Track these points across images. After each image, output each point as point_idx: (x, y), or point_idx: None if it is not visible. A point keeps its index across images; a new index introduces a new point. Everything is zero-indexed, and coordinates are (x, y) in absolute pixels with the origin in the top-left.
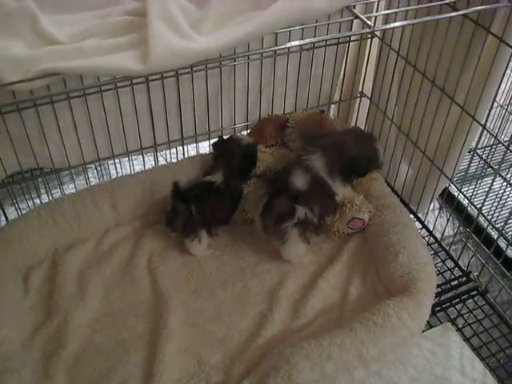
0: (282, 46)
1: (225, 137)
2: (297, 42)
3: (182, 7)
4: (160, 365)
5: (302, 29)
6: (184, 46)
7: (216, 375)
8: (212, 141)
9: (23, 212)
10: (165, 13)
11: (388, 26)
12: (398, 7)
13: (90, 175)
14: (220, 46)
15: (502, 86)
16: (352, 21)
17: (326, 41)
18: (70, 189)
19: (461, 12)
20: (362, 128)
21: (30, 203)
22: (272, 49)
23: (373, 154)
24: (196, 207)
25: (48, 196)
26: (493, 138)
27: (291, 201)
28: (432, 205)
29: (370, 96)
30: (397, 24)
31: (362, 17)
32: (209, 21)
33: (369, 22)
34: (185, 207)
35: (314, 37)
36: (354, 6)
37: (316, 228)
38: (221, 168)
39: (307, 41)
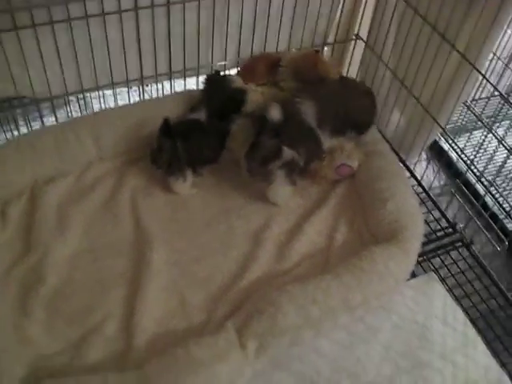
0: None
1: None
2: None
3: None
4: (141, 303)
5: None
6: None
7: (198, 315)
8: (201, 77)
9: (0, 143)
10: None
11: None
12: None
13: (71, 109)
14: None
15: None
16: None
17: None
18: (50, 122)
19: None
20: (356, 71)
21: (9, 135)
22: None
23: (372, 112)
24: (182, 145)
25: (27, 128)
26: (484, 92)
27: (278, 141)
28: (420, 156)
29: (365, 39)
30: None
31: None
32: None
33: None
34: (170, 144)
35: None
36: None
37: (302, 171)
38: (205, 105)
39: None
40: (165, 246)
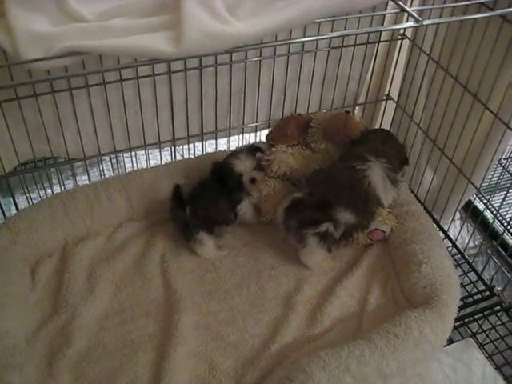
0: (323, 37)
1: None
2: (335, 34)
3: None
4: (169, 368)
5: (332, 21)
6: (220, 29)
7: (227, 381)
8: (232, 137)
9: (34, 202)
10: None
11: (436, 21)
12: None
13: (104, 168)
14: (259, 31)
15: None
16: (383, 18)
17: (356, 39)
18: (83, 180)
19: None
20: None
21: (42, 193)
22: (309, 39)
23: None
24: (191, 209)
25: (60, 187)
26: None
27: (320, 211)
28: (454, 216)
29: (396, 99)
30: (442, 20)
31: (409, 10)
32: (246, 5)
33: (416, 15)
34: (178, 212)
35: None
36: None
37: (336, 241)
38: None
39: (345, 32)
40: (194, 308)
